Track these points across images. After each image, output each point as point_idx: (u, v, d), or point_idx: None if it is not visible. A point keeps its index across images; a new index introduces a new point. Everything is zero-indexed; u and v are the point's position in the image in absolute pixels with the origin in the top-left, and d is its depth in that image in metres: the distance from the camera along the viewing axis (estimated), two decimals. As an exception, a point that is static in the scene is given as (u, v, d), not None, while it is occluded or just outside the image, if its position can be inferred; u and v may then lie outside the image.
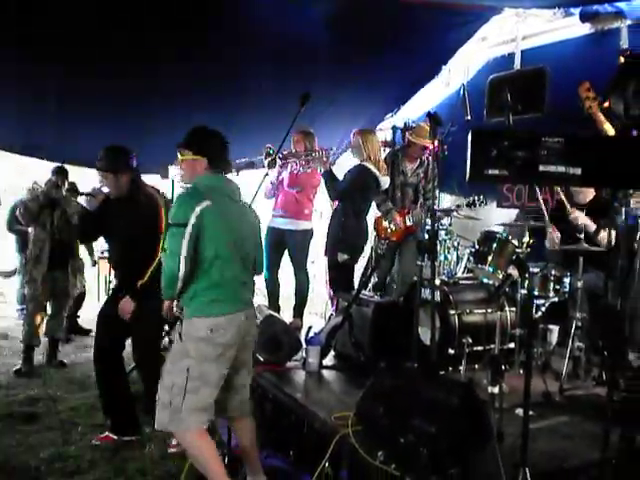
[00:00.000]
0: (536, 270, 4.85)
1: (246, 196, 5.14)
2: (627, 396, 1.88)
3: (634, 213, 2.94)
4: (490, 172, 2.01)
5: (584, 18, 6.26)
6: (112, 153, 4.65)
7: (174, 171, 6.32)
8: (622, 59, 2.10)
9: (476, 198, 5.62)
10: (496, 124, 6.53)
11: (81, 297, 8.00)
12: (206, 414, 3.50)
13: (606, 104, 2.11)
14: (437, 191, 5.97)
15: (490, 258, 4.83)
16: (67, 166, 7.19)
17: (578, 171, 1.97)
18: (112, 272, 6.00)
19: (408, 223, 6.29)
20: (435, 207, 3.42)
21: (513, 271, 3.26)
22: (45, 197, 6.75)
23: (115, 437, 4.74)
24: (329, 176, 6.14)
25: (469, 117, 5.54)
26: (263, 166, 6.31)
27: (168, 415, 3.47)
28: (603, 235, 4.62)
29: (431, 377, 3.60)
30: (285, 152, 6.21)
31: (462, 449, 3.28)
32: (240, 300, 3.63)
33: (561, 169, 1.98)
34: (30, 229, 6.88)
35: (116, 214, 4.66)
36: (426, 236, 3.22)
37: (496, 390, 3.14)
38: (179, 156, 3.68)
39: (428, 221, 4.50)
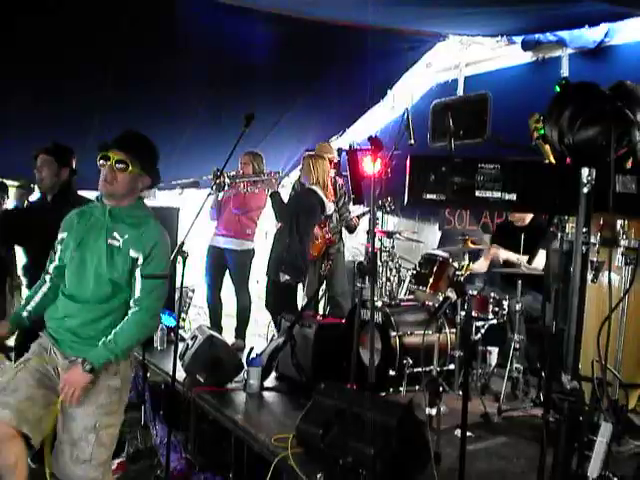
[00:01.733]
0: (475, 292, 4.93)
1: (189, 216, 5.11)
2: (558, 418, 1.92)
3: (569, 238, 3.02)
4: (428, 197, 2.04)
5: (526, 46, 6.45)
6: (61, 147, 4.63)
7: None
8: (558, 88, 2.17)
9: (386, 202, 5.73)
10: (439, 149, 6.64)
11: None
12: None
13: (542, 132, 2.17)
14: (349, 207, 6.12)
15: (431, 280, 4.90)
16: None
17: (513, 197, 2.02)
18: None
19: (326, 236, 6.36)
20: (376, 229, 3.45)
21: (451, 293, 3.31)
22: None
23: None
24: (277, 198, 6.15)
25: (412, 141, 5.59)
26: (207, 187, 6.28)
27: None
28: (538, 260, 4.72)
29: (371, 399, 3.60)
30: (233, 174, 6.20)
31: (401, 471, 3.29)
32: None
33: (497, 194, 2.02)
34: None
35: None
36: (362, 259, 3.23)
37: (434, 412, 3.16)
38: (111, 157, 3.18)
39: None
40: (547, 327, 4.10)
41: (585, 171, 1.95)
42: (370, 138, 3.52)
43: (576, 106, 2.05)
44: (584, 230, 1.94)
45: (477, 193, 2.03)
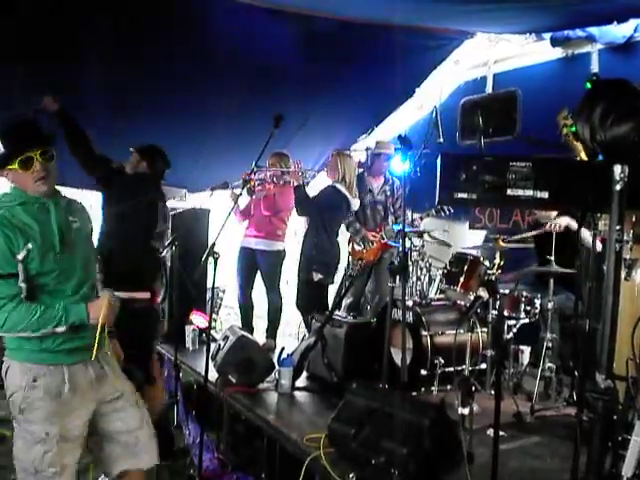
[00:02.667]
0: (507, 291, 4.90)
1: (219, 217, 5.17)
2: (592, 417, 1.91)
3: (602, 236, 3.00)
4: (459, 196, 2.03)
5: (555, 43, 6.38)
6: None
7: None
8: (589, 84, 2.15)
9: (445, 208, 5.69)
10: (468, 147, 6.61)
11: None
12: None
13: (573, 129, 2.15)
14: (407, 210, 6.08)
15: (462, 279, 4.88)
16: None
17: (545, 195, 2.00)
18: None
19: (382, 240, 6.35)
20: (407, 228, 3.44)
21: (482, 292, 3.29)
22: None
23: None
24: (301, 192, 6.16)
25: (442, 140, 5.58)
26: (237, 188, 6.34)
27: None
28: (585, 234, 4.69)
29: (402, 398, 3.60)
30: (262, 176, 6.23)
31: (433, 470, 3.29)
32: None
33: (528, 193, 2.01)
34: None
35: None
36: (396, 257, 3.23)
37: (466, 411, 3.15)
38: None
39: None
40: (580, 325, 4.07)
41: (618, 168, 1.93)
42: (399, 137, 3.51)
43: (608, 102, 2.04)
44: (617, 228, 1.93)
45: (509, 192, 2.02)
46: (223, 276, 7.81)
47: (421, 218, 6.42)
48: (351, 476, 3.35)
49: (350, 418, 3.59)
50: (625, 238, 3.19)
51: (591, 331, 2.95)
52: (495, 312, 4.77)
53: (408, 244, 5.68)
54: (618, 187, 1.92)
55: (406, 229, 6.53)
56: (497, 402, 3.09)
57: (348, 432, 3.52)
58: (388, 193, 6.59)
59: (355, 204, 6.25)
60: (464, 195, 2.03)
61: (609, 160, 2.00)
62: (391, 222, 6.52)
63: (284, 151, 6.44)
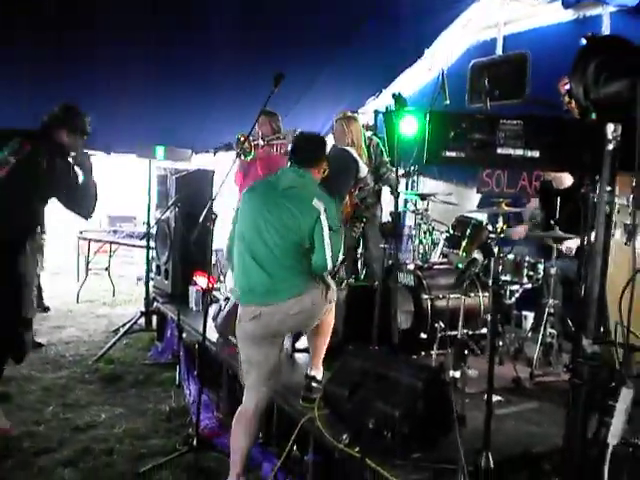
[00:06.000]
0: (510, 256, 4.85)
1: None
2: (576, 382, 1.88)
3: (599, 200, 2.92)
4: (447, 154, 1.98)
5: (567, 4, 6.23)
6: None
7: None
8: (584, 41, 2.08)
9: (410, 169, 5.60)
10: (477, 110, 6.51)
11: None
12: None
13: (567, 87, 2.09)
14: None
15: (464, 243, 4.82)
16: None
17: (536, 154, 1.95)
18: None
19: (354, 200, 6.21)
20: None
21: (477, 255, 3.24)
22: None
23: None
24: None
25: (448, 101, 5.48)
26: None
27: None
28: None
29: (397, 361, 3.59)
30: (260, 140, 6.12)
31: (426, 433, 3.28)
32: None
33: (519, 152, 1.95)
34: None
35: None
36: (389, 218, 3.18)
37: (457, 374, 3.13)
38: None
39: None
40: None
41: (610, 127, 1.88)
42: (394, 95, 3.44)
43: (601, 60, 1.97)
44: (608, 189, 1.88)
45: (498, 150, 1.97)
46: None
47: (403, 175, 6.28)
48: (344, 437, 3.35)
49: (345, 380, 3.59)
50: (625, 202, 3.14)
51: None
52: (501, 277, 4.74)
53: (404, 206, 5.61)
54: (610, 146, 1.87)
55: (408, 193, 6.48)
56: (491, 363, 3.07)
57: (343, 394, 3.52)
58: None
59: (364, 170, 6.08)
60: (452, 154, 1.98)
61: (602, 119, 1.94)
62: (371, 181, 6.28)
63: (272, 110, 6.27)
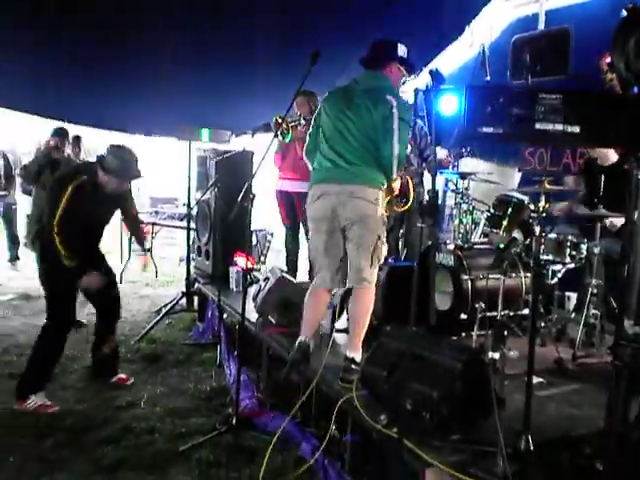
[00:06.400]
0: (552, 235, 4.75)
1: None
2: (618, 364, 1.82)
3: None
4: (484, 130, 1.93)
5: (611, -23, 6.05)
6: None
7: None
8: (625, 12, 2.00)
9: (464, 150, 5.51)
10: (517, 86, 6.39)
11: None
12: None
13: (608, 59, 2.01)
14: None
15: (505, 223, 4.74)
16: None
17: (576, 129, 1.89)
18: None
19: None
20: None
21: (517, 234, 3.16)
22: (44, 158, 6.79)
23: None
24: None
25: (488, 78, 5.39)
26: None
27: None
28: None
29: (436, 341, 3.55)
30: (302, 120, 6.08)
31: (465, 415, 3.24)
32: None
33: (559, 127, 1.89)
34: (33, 190, 6.92)
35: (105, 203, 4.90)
36: (426, 197, 3.12)
37: (497, 356, 3.08)
38: None
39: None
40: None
41: (655, 101, 1.80)
42: (431, 72, 3.37)
43: (644, 31, 1.89)
44: (651, 165, 1.80)
45: (537, 125, 1.91)
46: (271, 219, 7.83)
47: (456, 156, 6.21)
48: (382, 418, 3.33)
49: (383, 360, 3.57)
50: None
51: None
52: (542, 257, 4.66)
53: (445, 186, 5.53)
54: (654, 121, 1.80)
55: (448, 172, 6.36)
56: (531, 345, 3.02)
57: (381, 374, 3.51)
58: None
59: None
60: (490, 129, 1.93)
61: (646, 92, 1.86)
62: (416, 163, 6.26)
63: (311, 90, 6.25)
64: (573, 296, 5.26)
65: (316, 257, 4.30)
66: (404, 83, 4.50)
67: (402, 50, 4.29)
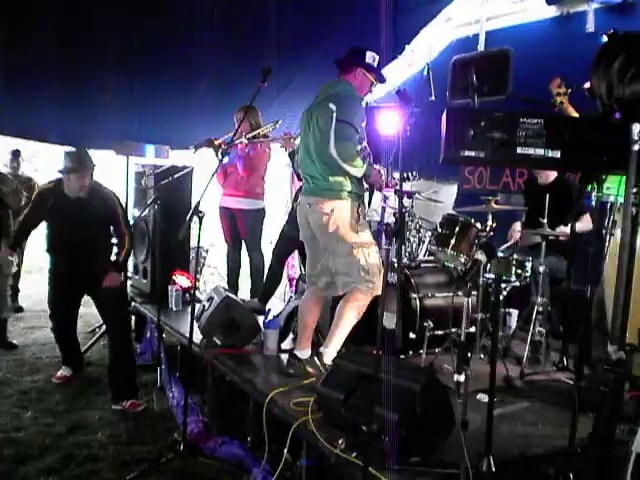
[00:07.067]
0: (499, 254, 4.81)
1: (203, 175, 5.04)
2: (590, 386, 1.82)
3: (605, 199, 2.89)
4: (466, 154, 1.91)
5: (550, 0, 6.20)
6: (81, 155, 5.08)
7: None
8: (606, 38, 2.02)
9: (410, 173, 5.56)
10: (459, 106, 6.47)
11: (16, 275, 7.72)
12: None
13: (587, 85, 2.03)
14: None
15: (452, 241, 4.78)
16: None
17: (557, 154, 1.89)
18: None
19: None
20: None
21: (481, 256, 3.17)
22: None
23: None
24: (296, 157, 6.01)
25: (433, 97, 5.41)
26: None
27: None
28: (583, 224, 4.76)
29: (394, 363, 3.51)
30: (242, 138, 6.01)
31: (424, 436, 3.21)
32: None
33: (539, 152, 1.89)
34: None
35: (76, 208, 5.05)
36: (392, 219, 3.10)
37: (462, 378, 3.06)
38: None
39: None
40: (571, 289, 4.00)
41: (636, 127, 1.81)
42: (398, 92, 3.36)
43: (627, 57, 1.90)
44: (634, 190, 1.81)
45: (518, 150, 1.90)
46: (206, 236, 7.68)
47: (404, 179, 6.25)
48: (340, 442, 3.27)
49: (340, 383, 3.51)
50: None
51: (590, 297, 2.86)
52: (488, 275, 4.71)
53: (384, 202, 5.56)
54: (636, 147, 1.81)
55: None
56: (492, 367, 3.01)
57: (338, 397, 3.44)
58: None
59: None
60: (472, 153, 1.91)
61: (627, 118, 1.87)
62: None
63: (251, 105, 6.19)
64: (514, 313, 5.32)
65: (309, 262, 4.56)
66: (371, 87, 4.50)
67: (370, 57, 4.39)
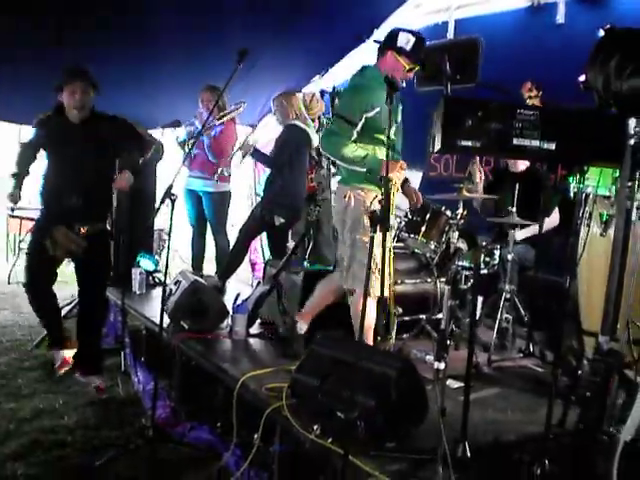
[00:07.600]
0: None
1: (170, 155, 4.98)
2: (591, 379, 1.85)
3: (582, 190, 2.93)
4: (462, 143, 1.91)
5: (521, -9, 6.26)
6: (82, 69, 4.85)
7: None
8: (602, 32, 2.03)
9: None
10: (426, 94, 6.48)
11: None
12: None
13: (582, 78, 2.04)
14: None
15: (423, 229, 4.80)
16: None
17: (552, 146, 1.90)
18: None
19: (311, 183, 6.26)
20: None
21: (462, 244, 3.19)
22: None
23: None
24: (258, 154, 5.99)
25: (403, 84, 5.42)
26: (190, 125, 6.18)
27: None
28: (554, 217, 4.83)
29: (369, 349, 3.53)
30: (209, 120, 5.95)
31: (399, 423, 3.23)
32: None
33: (535, 143, 1.90)
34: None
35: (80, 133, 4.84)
36: (378, 206, 3.08)
37: (442, 366, 3.08)
38: None
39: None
40: (546, 279, 4.06)
41: (632, 122, 1.83)
42: (386, 79, 3.35)
43: (625, 53, 1.92)
44: (629, 184, 1.83)
45: (514, 141, 1.90)
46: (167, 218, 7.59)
47: None
48: (315, 428, 3.27)
49: (314, 369, 3.50)
50: (607, 193, 3.15)
51: (569, 287, 2.91)
52: (461, 263, 4.75)
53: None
54: (632, 141, 1.83)
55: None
56: (470, 354, 3.05)
57: (312, 383, 3.44)
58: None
59: (316, 139, 6.06)
60: (468, 143, 1.91)
61: (623, 113, 1.89)
62: (326, 165, 6.34)
63: (215, 84, 6.13)
64: (479, 300, 5.38)
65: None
66: (409, 71, 4.23)
67: (403, 39, 4.19)
